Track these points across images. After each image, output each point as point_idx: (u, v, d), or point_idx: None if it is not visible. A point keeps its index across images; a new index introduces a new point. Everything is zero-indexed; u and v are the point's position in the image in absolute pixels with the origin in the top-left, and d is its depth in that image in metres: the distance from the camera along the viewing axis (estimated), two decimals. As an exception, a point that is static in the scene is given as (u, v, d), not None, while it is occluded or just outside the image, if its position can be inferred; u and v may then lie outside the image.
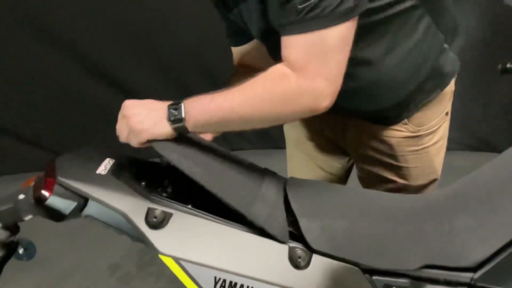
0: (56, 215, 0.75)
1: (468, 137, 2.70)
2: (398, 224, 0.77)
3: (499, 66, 0.96)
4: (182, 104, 0.75)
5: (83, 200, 0.75)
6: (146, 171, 0.85)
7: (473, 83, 2.43)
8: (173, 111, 0.74)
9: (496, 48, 1.87)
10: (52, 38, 2.32)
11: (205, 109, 0.74)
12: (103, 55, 2.38)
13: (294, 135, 1.24)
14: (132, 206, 0.72)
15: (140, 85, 2.47)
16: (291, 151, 1.28)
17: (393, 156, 1.06)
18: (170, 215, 0.72)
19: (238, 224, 0.74)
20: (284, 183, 0.85)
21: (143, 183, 0.83)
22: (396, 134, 1.04)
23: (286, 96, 0.72)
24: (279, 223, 0.74)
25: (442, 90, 1.01)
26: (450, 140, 2.77)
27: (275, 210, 0.76)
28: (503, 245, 0.71)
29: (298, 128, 1.21)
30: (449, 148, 2.70)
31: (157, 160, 0.89)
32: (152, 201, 0.74)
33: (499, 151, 2.59)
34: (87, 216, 0.76)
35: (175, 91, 2.50)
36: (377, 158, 1.09)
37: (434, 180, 1.13)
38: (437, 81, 0.99)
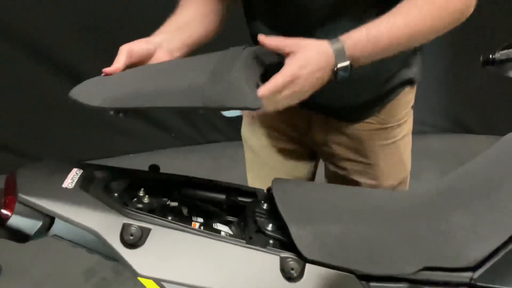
0: (19, 236, 0.67)
1: (442, 120, 2.72)
2: (392, 226, 0.73)
3: (481, 58, 0.92)
4: (348, 63, 0.73)
5: (49, 218, 0.67)
6: (118, 180, 0.78)
7: (446, 68, 2.44)
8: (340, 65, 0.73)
9: (472, 32, 1.86)
10: (13, 36, 2.17)
11: (371, 47, 0.74)
12: (67, 52, 2.24)
13: (254, 141, 1.14)
14: (104, 223, 0.65)
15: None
16: (252, 160, 1.18)
17: (363, 153, 1.02)
18: (148, 230, 0.66)
19: (223, 236, 0.68)
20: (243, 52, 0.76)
21: (115, 195, 0.75)
22: (366, 127, 1.00)
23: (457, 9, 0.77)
24: (244, 90, 0.66)
25: (414, 82, 0.98)
26: (425, 124, 2.81)
27: (237, 79, 0.67)
28: (503, 243, 0.69)
29: (259, 134, 1.12)
30: (425, 132, 2.74)
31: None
32: (127, 215, 0.67)
33: (473, 132, 2.60)
34: (54, 235, 0.68)
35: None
36: (346, 157, 1.04)
37: (405, 179, 1.09)
38: (414, 71, 0.97)
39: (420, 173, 2.43)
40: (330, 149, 1.05)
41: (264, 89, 0.69)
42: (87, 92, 0.71)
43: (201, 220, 0.80)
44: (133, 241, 0.64)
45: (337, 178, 1.10)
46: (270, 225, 0.74)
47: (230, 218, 0.83)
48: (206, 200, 0.84)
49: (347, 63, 0.73)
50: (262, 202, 0.84)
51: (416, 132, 2.96)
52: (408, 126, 1.06)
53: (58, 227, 0.67)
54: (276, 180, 0.83)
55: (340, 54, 0.72)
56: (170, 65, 0.79)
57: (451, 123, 2.71)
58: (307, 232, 0.69)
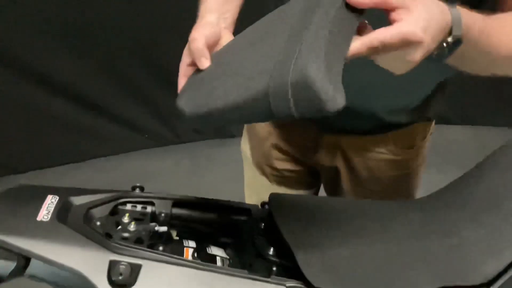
0: None
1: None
2: (404, 244, 0.68)
3: None
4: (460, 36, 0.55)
5: (25, 258, 0.59)
6: (100, 206, 0.70)
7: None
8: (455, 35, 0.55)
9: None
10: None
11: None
12: (26, 50, 2.09)
13: (255, 158, 1.06)
14: (88, 262, 0.58)
15: (85, 86, 2.22)
16: (253, 176, 1.08)
17: (371, 181, 0.96)
18: (139, 267, 0.58)
19: (222, 268, 0.62)
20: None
21: (97, 223, 0.67)
22: (376, 156, 0.94)
23: None
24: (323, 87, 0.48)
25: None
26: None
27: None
28: (518, 256, 0.65)
29: (260, 151, 1.04)
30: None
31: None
32: (113, 250, 0.59)
33: (449, 122, 2.58)
34: (31, 276, 0.60)
35: (121, 88, 2.28)
36: (351, 182, 0.98)
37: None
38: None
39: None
40: (335, 173, 0.99)
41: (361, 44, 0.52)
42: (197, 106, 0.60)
43: (193, 244, 0.73)
44: (123, 281, 0.56)
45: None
46: (271, 249, 0.68)
47: (225, 240, 0.76)
48: (197, 221, 0.77)
49: (459, 35, 0.55)
50: (259, 220, 0.77)
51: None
52: (422, 158, 0.99)
53: (35, 266, 0.59)
54: (273, 196, 0.77)
55: (457, 22, 0.55)
56: (244, 50, 0.61)
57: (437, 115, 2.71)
58: (314, 258, 0.63)
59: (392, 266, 0.65)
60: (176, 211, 0.77)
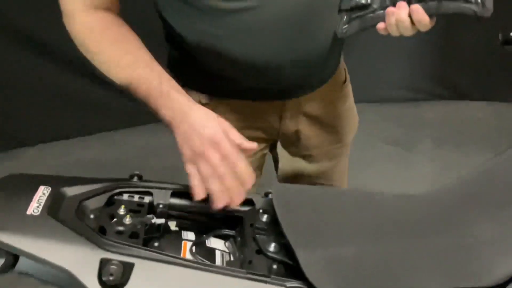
0: None
1: (437, 87, 2.63)
2: (413, 242, 0.64)
3: (500, 37, 0.82)
4: None
5: (13, 255, 0.56)
6: (95, 197, 0.67)
7: (441, 33, 2.32)
8: None
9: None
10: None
11: None
12: (28, 21, 2.03)
13: None
14: (78, 260, 0.55)
15: None
16: None
17: (331, 119, 1.03)
18: (131, 266, 0.55)
19: (219, 267, 0.59)
20: None
21: (91, 216, 0.65)
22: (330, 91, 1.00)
23: None
24: None
25: None
26: (419, 91, 2.72)
27: None
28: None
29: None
30: (418, 99, 2.65)
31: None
32: (105, 247, 0.56)
33: (469, 98, 2.48)
34: (21, 273, 0.58)
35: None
36: (315, 134, 1.03)
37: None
38: None
39: (414, 145, 2.36)
40: (299, 136, 1.01)
41: None
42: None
43: (192, 236, 0.70)
44: (114, 281, 0.54)
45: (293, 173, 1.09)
46: (273, 245, 0.65)
47: (226, 232, 0.73)
48: (197, 211, 0.74)
49: None
50: (261, 212, 0.74)
51: (409, 99, 2.88)
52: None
53: (24, 263, 0.57)
54: (276, 187, 0.74)
55: None
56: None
57: (446, 90, 2.62)
58: (317, 258, 0.60)
59: (400, 266, 0.61)
60: (175, 201, 0.73)
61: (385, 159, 2.29)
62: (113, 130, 2.31)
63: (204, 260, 0.64)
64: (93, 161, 2.15)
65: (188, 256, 0.65)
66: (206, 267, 0.58)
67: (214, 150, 0.67)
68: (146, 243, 0.64)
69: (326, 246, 0.62)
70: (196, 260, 0.59)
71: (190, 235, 0.71)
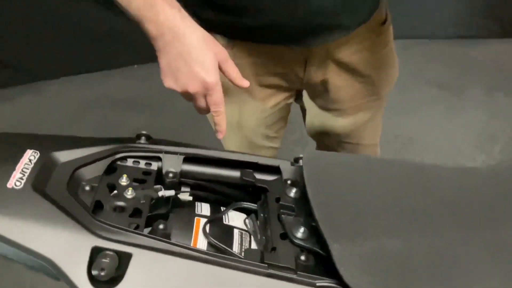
0: None
1: (491, 24, 2.35)
2: (473, 232, 0.52)
3: None
4: None
5: None
6: (93, 163, 0.57)
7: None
8: None
9: None
10: None
11: None
12: None
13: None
14: (64, 248, 0.46)
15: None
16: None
17: (364, 66, 0.86)
18: (128, 257, 0.46)
19: (235, 260, 0.48)
20: None
21: (86, 188, 0.55)
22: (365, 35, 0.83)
23: None
24: None
25: None
26: (471, 27, 2.45)
27: None
28: None
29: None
30: (470, 37, 2.39)
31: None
32: (98, 233, 0.47)
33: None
34: (1, 255, 0.49)
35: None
36: (345, 85, 0.88)
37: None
38: None
39: (463, 89, 2.15)
40: (327, 87, 0.87)
41: None
42: None
43: (207, 210, 0.60)
44: (106, 277, 0.44)
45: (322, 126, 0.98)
46: (301, 230, 0.54)
47: (246, 205, 0.62)
48: (213, 180, 0.64)
49: None
50: (289, 184, 0.62)
51: (459, 36, 2.61)
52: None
53: (2, 245, 0.48)
54: (308, 155, 0.61)
55: None
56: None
57: (500, 27, 2.34)
58: (354, 252, 0.48)
59: (455, 266, 0.50)
60: (188, 167, 0.63)
61: (429, 104, 2.11)
62: (137, 65, 2.20)
63: (218, 243, 0.54)
64: (115, 96, 2.07)
65: (201, 236, 0.55)
66: (220, 260, 0.47)
67: (203, 96, 0.62)
68: (151, 222, 0.54)
69: (366, 236, 0.50)
70: (207, 252, 0.48)
71: (204, 208, 0.60)
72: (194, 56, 0.59)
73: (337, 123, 0.96)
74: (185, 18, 0.60)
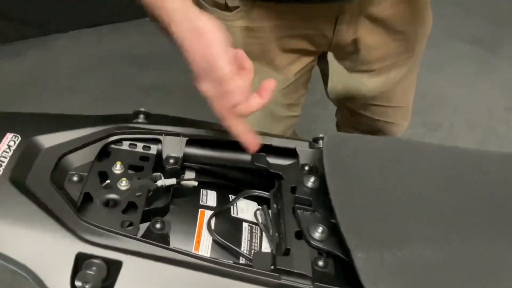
0: None
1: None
2: None
3: None
4: None
5: None
6: (82, 148, 0.50)
7: None
8: None
9: None
10: None
11: None
12: None
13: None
14: (44, 255, 0.40)
15: None
16: None
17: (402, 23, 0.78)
18: (118, 266, 0.40)
19: (242, 268, 0.42)
20: None
21: (74, 178, 0.48)
22: None
23: None
24: None
25: None
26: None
27: None
28: None
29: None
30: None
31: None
32: (84, 237, 0.40)
33: None
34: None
35: None
36: (378, 45, 0.79)
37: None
38: None
39: (498, 46, 2.00)
40: (358, 46, 0.79)
41: None
42: None
43: (213, 200, 0.53)
44: (92, 290, 0.38)
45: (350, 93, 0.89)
46: (319, 230, 0.47)
47: (258, 193, 0.55)
48: (220, 164, 0.56)
49: None
50: (306, 171, 0.55)
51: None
52: None
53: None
54: (329, 139, 0.53)
55: None
56: None
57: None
58: (383, 265, 0.41)
59: (506, 281, 0.42)
60: (192, 150, 0.55)
61: (461, 62, 1.97)
62: (149, 18, 2.09)
63: (224, 242, 0.47)
64: (125, 51, 1.98)
65: (205, 233, 0.49)
66: (224, 269, 0.41)
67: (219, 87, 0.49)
68: (148, 216, 0.47)
69: (398, 243, 0.43)
70: (210, 259, 0.42)
71: (210, 197, 0.54)
72: (212, 40, 0.49)
73: (366, 85, 0.87)
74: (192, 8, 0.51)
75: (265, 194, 0.55)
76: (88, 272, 0.38)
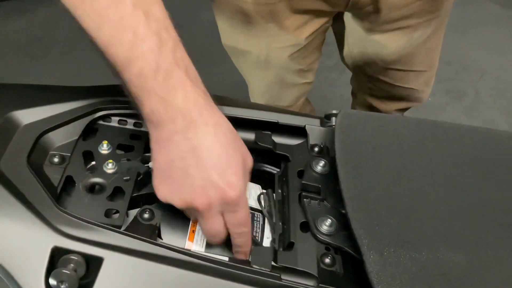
0: None
1: None
2: None
3: None
4: None
5: None
6: (66, 125, 0.45)
7: None
8: None
9: None
10: None
11: None
12: None
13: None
14: (16, 248, 0.35)
15: None
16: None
17: None
18: (99, 262, 0.35)
19: (236, 266, 0.37)
20: None
21: (56, 159, 0.43)
22: None
23: None
24: None
25: None
26: None
27: None
28: None
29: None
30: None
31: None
32: (62, 229, 0.36)
33: None
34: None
35: None
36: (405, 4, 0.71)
37: None
38: None
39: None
40: (378, 6, 0.71)
41: None
42: None
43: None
44: (67, 291, 0.34)
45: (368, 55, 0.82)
46: (327, 223, 0.42)
47: (265, 168, 0.50)
48: None
49: None
50: (316, 152, 0.49)
51: None
52: None
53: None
54: (342, 118, 0.47)
55: None
56: None
57: None
58: (400, 270, 0.36)
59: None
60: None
61: (489, 25, 1.84)
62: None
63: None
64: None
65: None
66: (218, 268, 0.36)
67: (217, 214, 0.40)
68: (137, 203, 0.43)
69: (416, 245, 0.38)
70: (203, 255, 0.37)
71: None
72: (215, 156, 0.38)
73: (386, 47, 0.80)
74: (210, 103, 0.39)
75: (273, 169, 0.50)
76: (64, 270, 0.34)
